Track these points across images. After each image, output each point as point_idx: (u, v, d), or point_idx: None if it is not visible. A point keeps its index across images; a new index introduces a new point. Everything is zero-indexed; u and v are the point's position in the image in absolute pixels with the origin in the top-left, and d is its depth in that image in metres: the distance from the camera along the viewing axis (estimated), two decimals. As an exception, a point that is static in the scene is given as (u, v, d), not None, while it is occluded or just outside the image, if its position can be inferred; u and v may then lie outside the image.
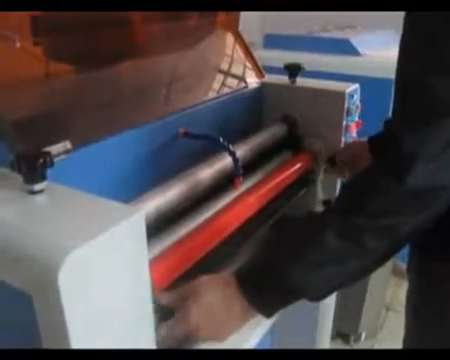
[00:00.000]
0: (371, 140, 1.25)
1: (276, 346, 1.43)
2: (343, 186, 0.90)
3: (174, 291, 0.82)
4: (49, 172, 0.66)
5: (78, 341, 0.54)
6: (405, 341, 1.16)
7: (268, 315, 0.81)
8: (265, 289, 0.80)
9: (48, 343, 0.56)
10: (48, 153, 0.65)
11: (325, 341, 1.82)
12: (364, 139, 1.29)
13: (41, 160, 0.63)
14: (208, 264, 0.96)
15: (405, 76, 0.78)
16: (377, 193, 0.76)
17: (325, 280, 0.78)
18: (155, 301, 0.77)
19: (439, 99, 0.71)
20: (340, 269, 0.77)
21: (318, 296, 0.81)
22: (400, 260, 2.34)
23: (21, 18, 0.92)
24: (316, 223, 0.82)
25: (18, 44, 0.84)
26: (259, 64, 1.52)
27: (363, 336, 2.25)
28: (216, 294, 0.80)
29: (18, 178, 0.65)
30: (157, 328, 0.73)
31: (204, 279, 0.82)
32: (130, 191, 0.92)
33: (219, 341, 0.82)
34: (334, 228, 0.76)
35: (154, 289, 0.75)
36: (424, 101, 0.73)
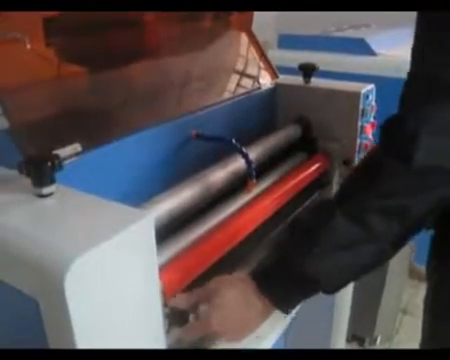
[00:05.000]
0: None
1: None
2: (351, 170, 0.90)
3: (190, 294, 0.82)
4: (61, 174, 0.65)
5: (85, 346, 0.53)
6: (422, 343, 1.13)
7: (285, 309, 0.81)
8: (280, 281, 0.80)
9: (55, 347, 0.56)
10: (56, 156, 0.64)
11: (340, 344, 1.79)
12: None
13: (49, 163, 0.62)
14: (221, 267, 0.95)
15: (412, 68, 0.78)
16: (383, 174, 0.75)
17: (338, 268, 0.78)
18: (167, 305, 0.77)
19: (443, 80, 0.70)
20: (352, 256, 0.76)
21: (332, 286, 0.80)
22: (417, 263, 2.31)
23: (33, 20, 0.91)
24: (326, 209, 0.82)
25: (28, 46, 0.84)
26: (273, 64, 1.50)
27: (379, 339, 2.22)
28: (233, 294, 0.80)
29: (27, 181, 0.65)
30: (168, 333, 0.73)
31: (219, 280, 0.83)
32: (143, 193, 0.92)
33: (238, 340, 0.82)
34: (342, 212, 0.76)
35: (166, 293, 0.74)
36: (427, 82, 0.73)
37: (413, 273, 2.39)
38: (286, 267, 0.79)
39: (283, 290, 0.80)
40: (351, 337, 2.19)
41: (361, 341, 2.22)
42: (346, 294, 1.73)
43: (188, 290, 0.84)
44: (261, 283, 0.80)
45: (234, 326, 0.80)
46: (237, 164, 1.09)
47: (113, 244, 0.54)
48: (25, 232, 0.57)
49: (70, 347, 0.52)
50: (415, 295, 2.49)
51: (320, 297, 1.25)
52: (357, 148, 1.39)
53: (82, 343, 0.52)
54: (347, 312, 1.79)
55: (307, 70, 1.42)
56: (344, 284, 0.81)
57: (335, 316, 1.66)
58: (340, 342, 1.79)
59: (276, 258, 0.82)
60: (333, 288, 0.80)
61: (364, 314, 2.11)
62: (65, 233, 0.56)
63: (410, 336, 2.22)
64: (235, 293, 0.80)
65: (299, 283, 0.79)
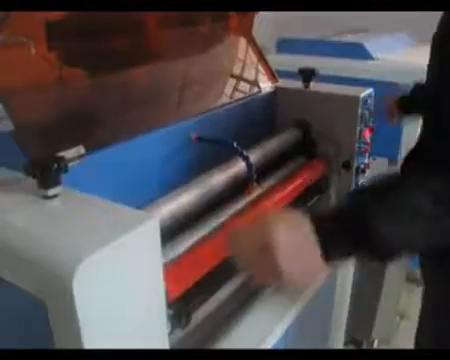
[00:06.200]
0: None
1: (289, 352, 1.42)
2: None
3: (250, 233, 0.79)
4: (63, 176, 0.66)
5: (91, 346, 0.54)
6: (418, 341, 1.14)
7: (330, 258, 0.76)
8: (340, 230, 0.75)
9: (61, 347, 0.56)
10: (62, 158, 0.65)
11: (338, 347, 1.80)
12: None
13: (55, 165, 0.63)
14: (223, 269, 0.96)
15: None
16: None
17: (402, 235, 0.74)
18: (170, 306, 0.77)
19: None
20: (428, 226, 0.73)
21: (387, 250, 0.75)
22: (413, 267, 2.32)
23: (37, 24, 0.92)
24: (406, 181, 0.78)
25: (33, 50, 0.85)
26: (272, 68, 1.51)
27: (376, 342, 2.22)
28: (294, 234, 0.75)
29: (32, 183, 0.65)
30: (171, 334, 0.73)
31: (275, 225, 0.75)
32: (143, 196, 0.92)
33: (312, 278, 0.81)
34: (428, 192, 0.73)
35: (169, 295, 0.75)
36: None
37: (409, 277, 2.39)
38: (352, 217, 0.74)
39: (337, 238, 0.75)
40: (349, 340, 2.19)
41: (359, 344, 2.22)
42: (344, 297, 1.73)
43: (189, 293, 0.84)
44: (319, 226, 0.75)
45: (300, 262, 0.74)
46: (237, 167, 1.10)
47: (120, 245, 0.54)
48: (32, 233, 0.58)
49: (77, 347, 0.53)
50: (412, 299, 2.49)
51: (319, 298, 1.26)
52: (356, 152, 1.41)
53: (88, 342, 0.53)
54: (345, 315, 1.79)
55: (307, 74, 1.43)
56: (399, 252, 0.77)
57: (333, 319, 1.66)
58: (338, 345, 1.80)
59: (341, 210, 0.78)
60: (387, 252, 0.76)
61: (362, 317, 2.12)
62: (72, 234, 0.57)
63: (407, 339, 2.22)
64: (296, 234, 0.75)
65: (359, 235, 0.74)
